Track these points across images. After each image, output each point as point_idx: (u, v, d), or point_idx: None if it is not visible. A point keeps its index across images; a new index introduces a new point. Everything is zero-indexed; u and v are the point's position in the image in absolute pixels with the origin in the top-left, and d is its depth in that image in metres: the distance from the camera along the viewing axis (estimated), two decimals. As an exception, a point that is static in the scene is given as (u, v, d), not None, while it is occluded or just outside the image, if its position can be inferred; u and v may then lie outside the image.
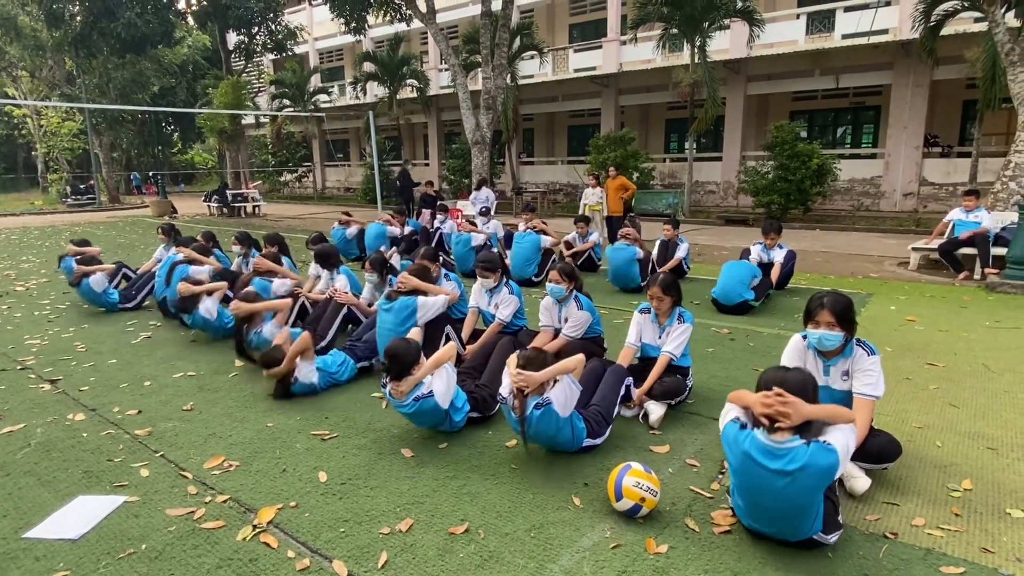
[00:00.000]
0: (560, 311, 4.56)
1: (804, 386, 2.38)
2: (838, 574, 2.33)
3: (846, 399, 2.99)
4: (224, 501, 2.90)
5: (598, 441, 3.32)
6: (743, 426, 2.39)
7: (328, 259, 5.75)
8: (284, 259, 6.66)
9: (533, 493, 2.94)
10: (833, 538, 2.44)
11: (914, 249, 8.85)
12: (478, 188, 12.86)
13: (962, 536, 2.55)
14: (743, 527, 2.61)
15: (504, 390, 3.11)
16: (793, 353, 3.16)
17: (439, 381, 3.37)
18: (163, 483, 3.09)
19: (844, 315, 2.96)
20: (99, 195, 26.49)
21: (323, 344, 4.98)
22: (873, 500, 2.82)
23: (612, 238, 11.29)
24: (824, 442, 2.25)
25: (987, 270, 7.62)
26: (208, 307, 5.46)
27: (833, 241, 12.15)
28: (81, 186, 27.51)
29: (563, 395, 3.01)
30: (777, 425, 2.29)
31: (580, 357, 3.22)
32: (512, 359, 3.15)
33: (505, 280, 4.88)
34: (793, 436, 2.28)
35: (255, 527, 2.68)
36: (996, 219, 8.07)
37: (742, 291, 6.20)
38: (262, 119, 30.59)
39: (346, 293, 5.36)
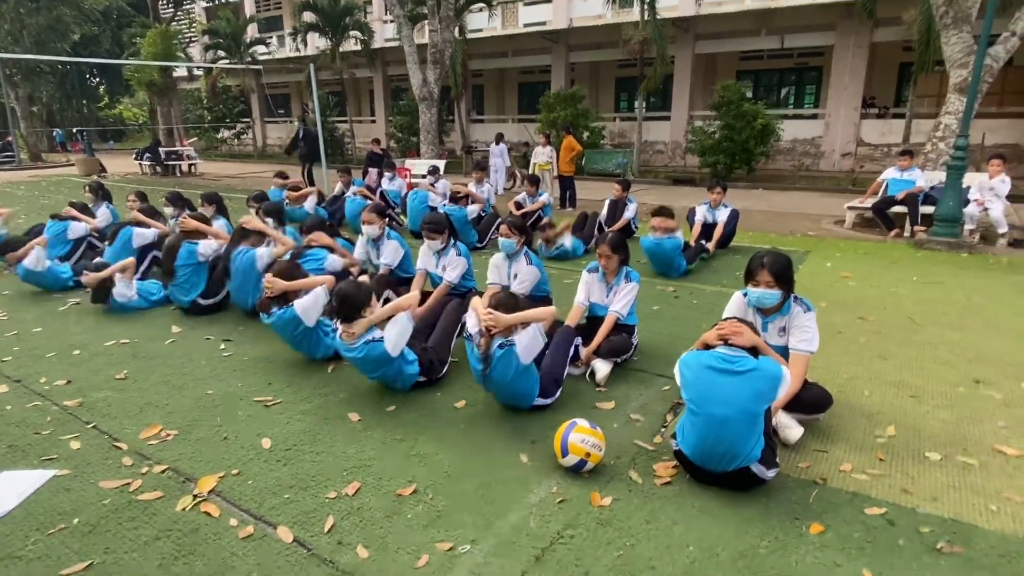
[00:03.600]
0: (509, 267, 4.54)
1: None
2: (771, 518, 2.45)
3: (783, 354, 3.10)
4: (162, 472, 2.81)
5: (548, 401, 3.36)
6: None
7: (276, 214, 5.55)
8: (222, 220, 6.40)
9: (482, 453, 2.96)
10: (771, 473, 2.57)
11: (849, 208, 9.17)
12: (496, 143, 13.62)
13: (885, 480, 2.71)
14: (684, 476, 2.71)
15: (472, 328, 3.23)
16: (734, 309, 3.24)
17: (392, 328, 3.38)
18: (96, 455, 2.97)
19: (782, 274, 3.04)
20: (18, 153, 24.68)
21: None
22: (805, 448, 2.96)
23: (563, 198, 11.31)
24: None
25: (916, 228, 7.99)
26: (121, 291, 5.18)
27: (775, 200, 12.47)
28: (-3, 142, 25.56)
29: (528, 340, 3.10)
30: (731, 342, 2.63)
31: (551, 309, 3.47)
32: (477, 300, 3.32)
33: (453, 242, 4.81)
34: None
35: (195, 496, 2.61)
36: (928, 179, 8.41)
37: (674, 271, 6.26)
38: (196, 72, 28.94)
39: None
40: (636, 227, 8.28)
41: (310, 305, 3.86)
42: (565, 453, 2.73)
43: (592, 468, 2.76)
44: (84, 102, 37.03)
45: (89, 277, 5.18)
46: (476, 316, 3.18)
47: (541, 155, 11.35)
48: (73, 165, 22.65)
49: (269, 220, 5.60)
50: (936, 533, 2.35)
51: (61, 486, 2.71)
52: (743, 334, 2.65)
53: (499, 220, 8.21)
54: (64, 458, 2.94)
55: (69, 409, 3.44)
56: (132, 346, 4.43)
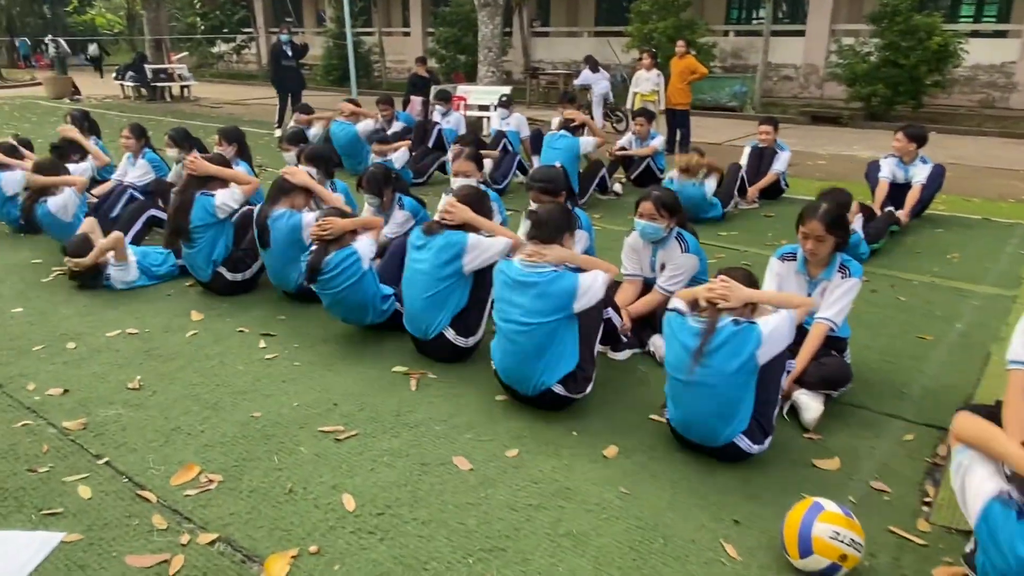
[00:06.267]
0: (654, 255, 4.06)
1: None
2: None
3: None
4: (210, 543, 2.46)
5: (754, 450, 2.88)
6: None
7: (323, 163, 5.20)
8: (242, 164, 6.10)
9: (663, 537, 2.51)
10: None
11: (1085, 164, 8.28)
12: (595, 69, 13.06)
13: None
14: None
15: (679, 304, 2.99)
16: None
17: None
18: (114, 510, 2.64)
19: None
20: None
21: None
22: None
23: (672, 140, 10.62)
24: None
25: None
26: (119, 277, 4.95)
27: (959, 149, 11.50)
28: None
29: (776, 326, 2.81)
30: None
31: (812, 300, 3.30)
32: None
33: (570, 206, 4.34)
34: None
35: (265, 589, 2.26)
36: None
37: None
38: (186, -33, 28.74)
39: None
40: (786, 184, 7.65)
41: (366, 248, 3.99)
42: (807, 552, 2.26)
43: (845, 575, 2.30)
44: (48, 5, 37.40)
45: (73, 262, 4.88)
46: (690, 293, 3.02)
47: (645, 82, 10.66)
48: (40, 84, 22.93)
49: (244, 165, 5.70)
50: None
51: (72, 559, 2.39)
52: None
53: (603, 170, 7.69)
54: (72, 512, 2.63)
55: (71, 434, 3.14)
56: (142, 339, 4.14)
